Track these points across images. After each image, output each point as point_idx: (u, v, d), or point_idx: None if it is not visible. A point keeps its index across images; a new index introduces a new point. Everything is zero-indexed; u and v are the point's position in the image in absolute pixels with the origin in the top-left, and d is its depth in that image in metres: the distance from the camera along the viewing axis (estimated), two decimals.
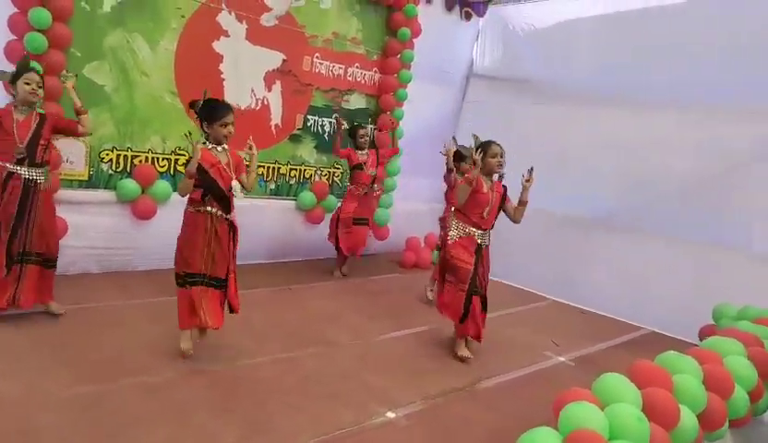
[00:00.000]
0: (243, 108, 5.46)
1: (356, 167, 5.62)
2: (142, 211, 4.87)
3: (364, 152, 5.64)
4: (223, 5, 5.16)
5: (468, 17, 7.41)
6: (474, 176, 3.76)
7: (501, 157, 3.90)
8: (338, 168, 6.45)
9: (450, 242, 3.99)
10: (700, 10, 5.45)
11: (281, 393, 3.19)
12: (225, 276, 3.37)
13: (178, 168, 5.12)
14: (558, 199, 6.31)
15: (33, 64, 3.68)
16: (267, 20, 5.49)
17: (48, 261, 3.67)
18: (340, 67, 6.21)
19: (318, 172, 6.31)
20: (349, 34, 6.19)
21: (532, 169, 3.88)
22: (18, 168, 3.47)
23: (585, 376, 3.74)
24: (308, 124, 6.10)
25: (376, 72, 6.54)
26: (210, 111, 3.28)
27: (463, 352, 4.04)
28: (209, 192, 3.24)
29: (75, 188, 4.60)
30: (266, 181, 5.88)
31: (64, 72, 3.94)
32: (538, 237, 6.57)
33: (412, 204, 6.88)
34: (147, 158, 4.97)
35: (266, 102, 5.69)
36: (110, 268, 4.84)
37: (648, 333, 5.30)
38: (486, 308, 4.03)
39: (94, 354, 3.31)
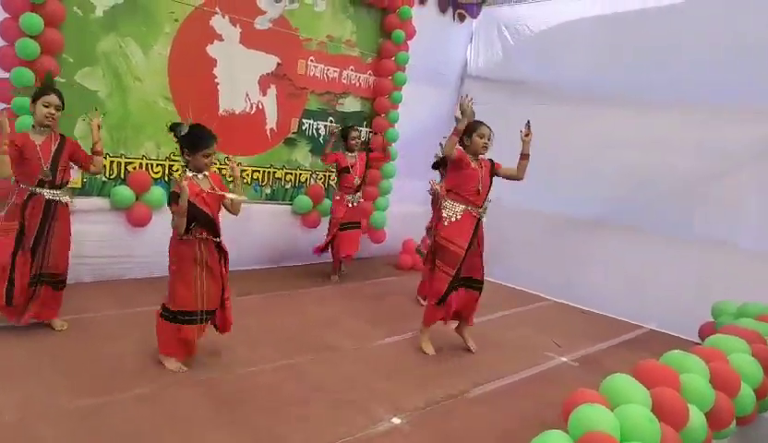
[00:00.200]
0: (237, 112, 5.42)
1: (344, 170, 5.58)
2: (137, 218, 4.82)
3: (353, 155, 5.61)
4: (217, 9, 5.12)
5: (461, 18, 7.41)
6: (460, 128, 3.78)
7: (489, 139, 3.90)
8: (333, 171, 6.40)
9: (443, 224, 3.93)
10: (698, 10, 5.45)
11: (283, 401, 3.14)
12: (220, 304, 3.35)
13: (173, 174, 5.06)
14: (557, 200, 6.33)
15: (54, 84, 3.64)
16: (261, 24, 5.45)
17: (59, 282, 3.64)
18: (334, 70, 6.17)
19: (314, 175, 6.27)
20: (343, 37, 6.17)
21: (529, 122, 3.89)
22: (39, 190, 3.45)
23: (589, 376, 3.76)
24: (303, 127, 6.06)
25: (370, 74, 6.52)
26: (196, 140, 3.15)
27: (428, 347, 4.09)
28: (194, 221, 3.15)
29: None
30: (261, 185, 5.83)
31: (92, 110, 3.94)
32: (537, 238, 6.59)
33: (407, 206, 6.84)
34: (141, 164, 4.91)
35: (261, 106, 5.64)
36: (103, 276, 4.76)
37: (648, 332, 5.29)
38: (481, 285, 4.07)
39: (93, 366, 3.26)
